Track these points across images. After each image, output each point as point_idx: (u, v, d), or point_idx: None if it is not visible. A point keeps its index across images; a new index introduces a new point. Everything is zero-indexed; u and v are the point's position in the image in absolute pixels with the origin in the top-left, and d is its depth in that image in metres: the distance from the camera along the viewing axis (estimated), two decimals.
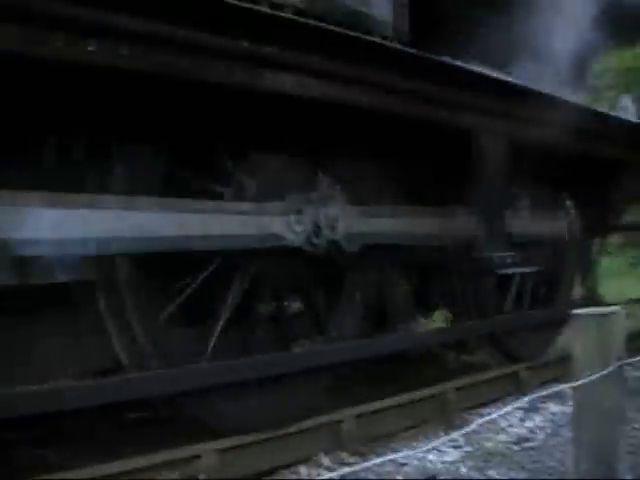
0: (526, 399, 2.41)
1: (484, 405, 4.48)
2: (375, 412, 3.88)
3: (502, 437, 3.95)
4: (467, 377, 4.68)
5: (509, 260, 4.28)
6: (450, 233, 4.33)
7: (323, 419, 3.59)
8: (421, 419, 4.10)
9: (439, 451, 3.54)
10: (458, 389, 4.38)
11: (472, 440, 3.75)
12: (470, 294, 4.94)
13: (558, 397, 4.31)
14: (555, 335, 5.52)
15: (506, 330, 5.14)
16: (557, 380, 4.47)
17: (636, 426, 3.99)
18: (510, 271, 4.61)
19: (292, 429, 3.38)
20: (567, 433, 3.20)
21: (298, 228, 3.37)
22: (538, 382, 4.84)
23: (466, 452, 3.63)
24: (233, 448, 3.13)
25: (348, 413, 3.71)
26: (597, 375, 1.69)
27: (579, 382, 1.72)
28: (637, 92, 6.57)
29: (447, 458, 3.54)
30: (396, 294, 4.46)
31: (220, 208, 3.11)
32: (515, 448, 3.80)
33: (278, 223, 3.28)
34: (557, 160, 4.77)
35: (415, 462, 3.38)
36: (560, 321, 5.16)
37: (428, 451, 3.32)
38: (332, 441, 3.57)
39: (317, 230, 3.46)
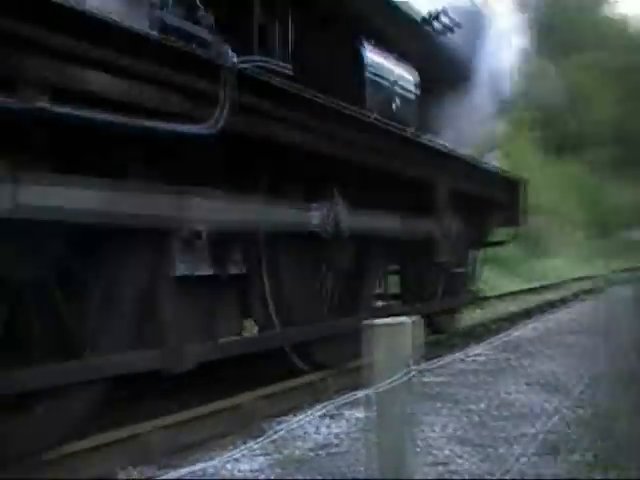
0: (328, 406, 2.45)
1: (290, 412, 4.54)
2: (180, 423, 3.80)
3: (307, 444, 4.02)
4: (273, 385, 4.72)
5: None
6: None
7: (124, 432, 3.45)
8: (226, 428, 4.08)
9: (239, 460, 3.51)
10: (264, 397, 4.41)
11: (278, 447, 3.78)
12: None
13: (362, 404, 4.47)
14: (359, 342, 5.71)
15: (314, 338, 5.27)
16: (360, 387, 4.64)
17: (428, 429, 4.25)
18: None
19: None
20: (370, 437, 3.32)
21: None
22: (343, 388, 4.97)
23: (272, 459, 3.65)
24: None
25: (152, 425, 3.61)
26: (390, 380, 1.74)
27: (373, 389, 1.77)
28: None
29: (251, 466, 3.54)
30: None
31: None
32: (321, 453, 3.89)
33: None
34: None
35: (219, 471, 3.34)
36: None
37: (229, 460, 3.27)
38: (136, 454, 3.45)
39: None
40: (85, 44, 2.92)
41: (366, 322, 1.76)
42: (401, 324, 1.73)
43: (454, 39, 7.76)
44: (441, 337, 6.79)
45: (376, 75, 6.24)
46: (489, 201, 8.79)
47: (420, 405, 4.53)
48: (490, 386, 5.45)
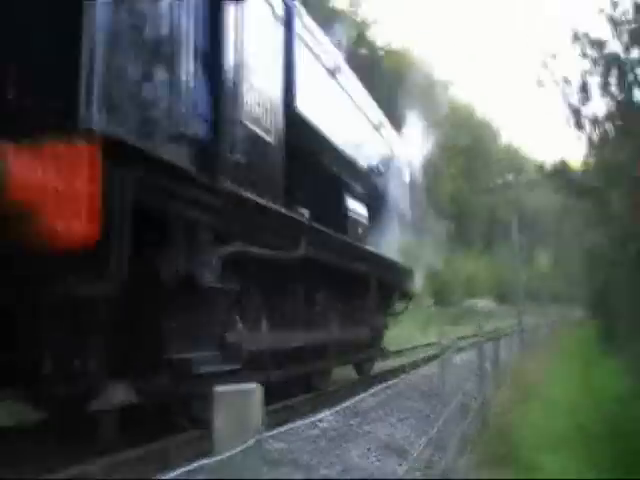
0: (172, 475, 2.41)
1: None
2: None
3: None
4: (117, 454, 4.53)
5: None
6: None
7: None
8: None
9: None
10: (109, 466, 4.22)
11: None
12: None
13: (213, 471, 4.39)
14: None
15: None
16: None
17: None
18: None
19: None
20: None
21: None
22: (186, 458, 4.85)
23: None
24: None
25: None
26: (237, 449, 1.76)
27: (221, 457, 1.77)
28: None
29: None
30: None
31: None
32: None
33: None
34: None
35: None
36: None
37: None
38: None
39: None
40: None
41: (216, 389, 1.77)
42: (248, 390, 1.76)
43: (385, 184, 12.39)
44: (289, 402, 6.85)
45: (351, 213, 10.11)
46: (394, 284, 12.70)
47: (266, 471, 4.53)
48: (334, 451, 5.55)
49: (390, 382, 4.26)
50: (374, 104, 12.06)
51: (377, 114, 12.15)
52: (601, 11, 8.86)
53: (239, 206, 5.62)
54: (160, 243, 4.68)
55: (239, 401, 1.75)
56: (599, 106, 11.22)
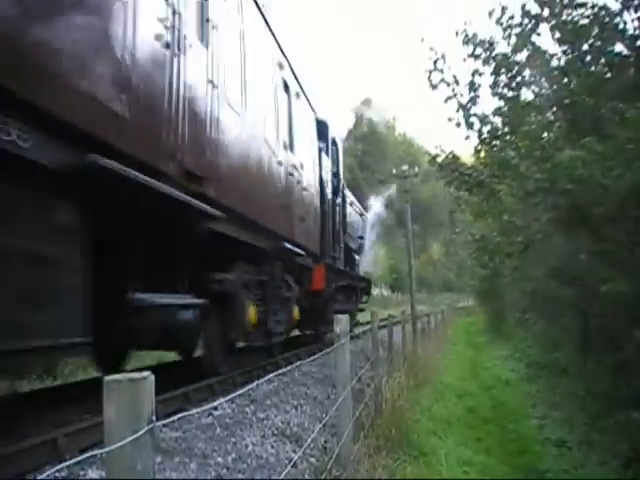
0: (60, 466, 2.35)
1: (23, 475, 4.21)
2: None
3: None
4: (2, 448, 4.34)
5: None
6: None
7: None
8: None
9: None
10: None
11: None
12: None
13: (99, 462, 4.30)
14: None
15: None
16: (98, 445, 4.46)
17: None
18: None
19: None
20: None
21: None
22: (78, 448, 4.73)
23: None
24: None
25: None
26: (128, 439, 1.73)
27: (112, 447, 1.74)
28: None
29: None
30: None
31: None
32: None
33: None
34: None
35: None
36: None
37: None
38: None
39: None
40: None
41: (107, 377, 1.74)
42: (140, 379, 1.74)
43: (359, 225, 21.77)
44: (183, 390, 6.78)
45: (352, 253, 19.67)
46: (359, 288, 20.53)
47: (159, 461, 4.49)
48: (229, 439, 5.55)
49: (284, 369, 4.29)
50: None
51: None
52: (491, 14, 9.23)
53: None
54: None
55: (130, 390, 1.72)
56: (488, 104, 11.68)
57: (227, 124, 6.96)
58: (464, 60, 9.60)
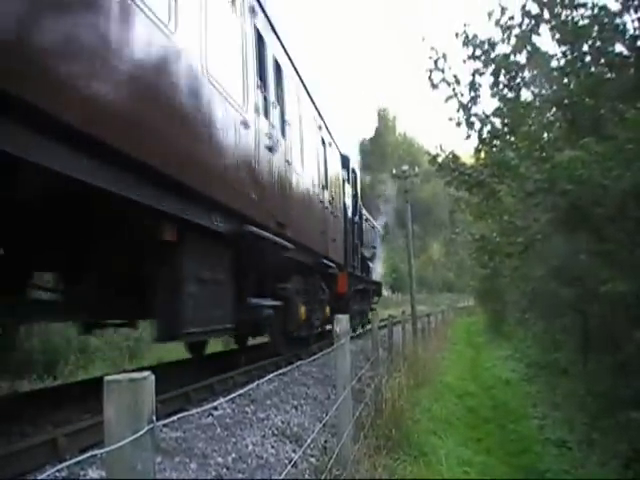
0: (60, 467, 2.35)
1: (23, 475, 4.22)
2: None
3: None
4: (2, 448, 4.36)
5: None
6: None
7: None
8: None
9: None
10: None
11: None
12: None
13: (99, 462, 4.31)
14: None
15: None
16: (98, 445, 4.46)
17: None
18: None
19: None
20: None
21: None
22: (78, 448, 4.73)
23: None
24: None
25: None
26: (129, 439, 1.74)
27: (112, 447, 1.75)
28: None
29: None
30: None
31: None
32: None
33: None
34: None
35: None
36: None
37: None
38: None
39: None
40: None
41: (107, 377, 1.74)
42: (140, 379, 1.74)
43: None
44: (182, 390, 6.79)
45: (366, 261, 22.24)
46: (372, 290, 23.12)
47: (159, 461, 4.49)
48: (229, 439, 5.56)
49: (285, 369, 4.30)
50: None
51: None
52: (490, 15, 9.24)
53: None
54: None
55: (130, 390, 1.73)
56: (488, 104, 11.65)
57: (295, 186, 10.03)
58: (464, 62, 9.60)
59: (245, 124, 7.09)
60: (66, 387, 7.84)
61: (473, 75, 9.55)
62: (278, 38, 9.15)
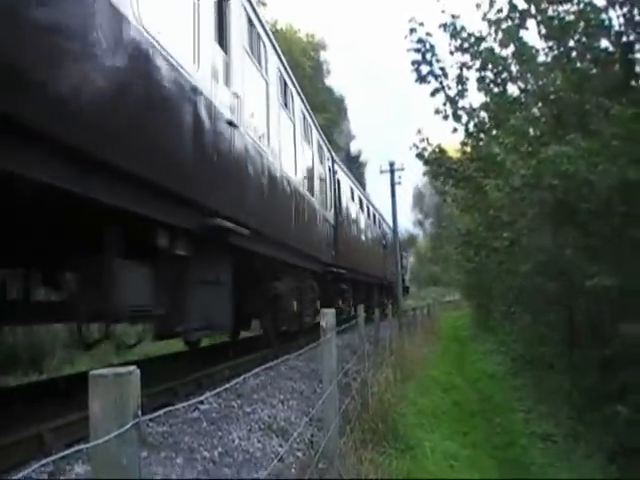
0: (45, 461, 2.34)
1: (8, 470, 4.19)
2: None
3: None
4: None
5: None
6: None
7: None
8: None
9: None
10: None
11: None
12: None
13: (85, 457, 4.29)
14: None
15: None
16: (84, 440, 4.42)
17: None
18: None
19: None
20: None
21: None
22: (64, 443, 4.70)
23: None
24: None
25: None
26: (114, 434, 1.73)
27: (97, 442, 1.74)
28: None
29: None
30: None
31: None
32: None
33: None
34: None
35: None
36: None
37: None
38: None
39: None
40: None
41: (93, 372, 1.73)
42: (125, 373, 1.73)
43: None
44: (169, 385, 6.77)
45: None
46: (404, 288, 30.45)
47: (145, 455, 4.48)
48: (216, 433, 5.55)
49: (271, 363, 4.29)
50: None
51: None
52: (478, 6, 9.25)
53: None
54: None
55: (116, 384, 1.72)
56: (475, 98, 11.61)
57: (318, 222, 13.04)
58: (451, 53, 9.61)
59: None
60: (52, 382, 7.79)
61: (460, 68, 9.56)
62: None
